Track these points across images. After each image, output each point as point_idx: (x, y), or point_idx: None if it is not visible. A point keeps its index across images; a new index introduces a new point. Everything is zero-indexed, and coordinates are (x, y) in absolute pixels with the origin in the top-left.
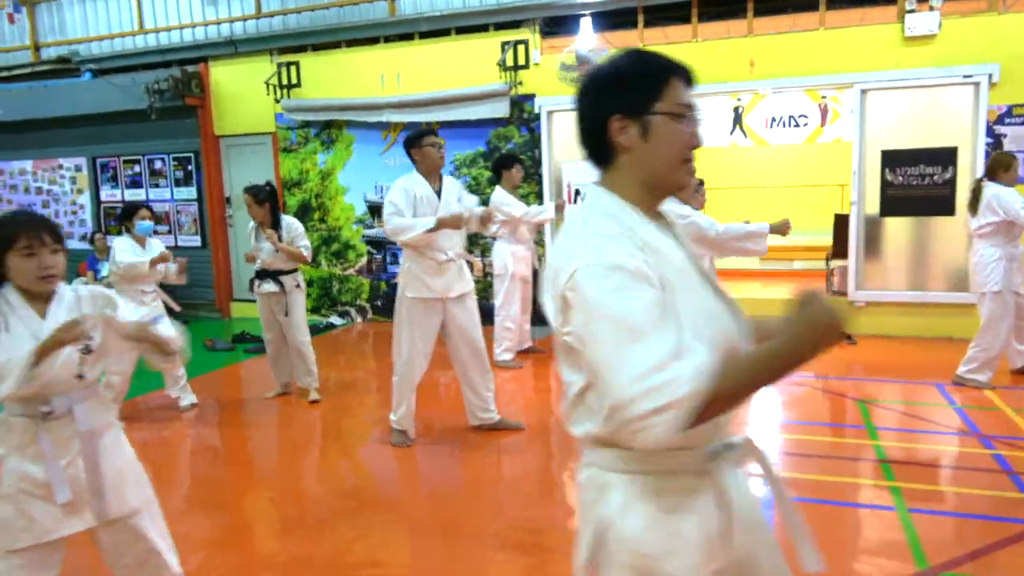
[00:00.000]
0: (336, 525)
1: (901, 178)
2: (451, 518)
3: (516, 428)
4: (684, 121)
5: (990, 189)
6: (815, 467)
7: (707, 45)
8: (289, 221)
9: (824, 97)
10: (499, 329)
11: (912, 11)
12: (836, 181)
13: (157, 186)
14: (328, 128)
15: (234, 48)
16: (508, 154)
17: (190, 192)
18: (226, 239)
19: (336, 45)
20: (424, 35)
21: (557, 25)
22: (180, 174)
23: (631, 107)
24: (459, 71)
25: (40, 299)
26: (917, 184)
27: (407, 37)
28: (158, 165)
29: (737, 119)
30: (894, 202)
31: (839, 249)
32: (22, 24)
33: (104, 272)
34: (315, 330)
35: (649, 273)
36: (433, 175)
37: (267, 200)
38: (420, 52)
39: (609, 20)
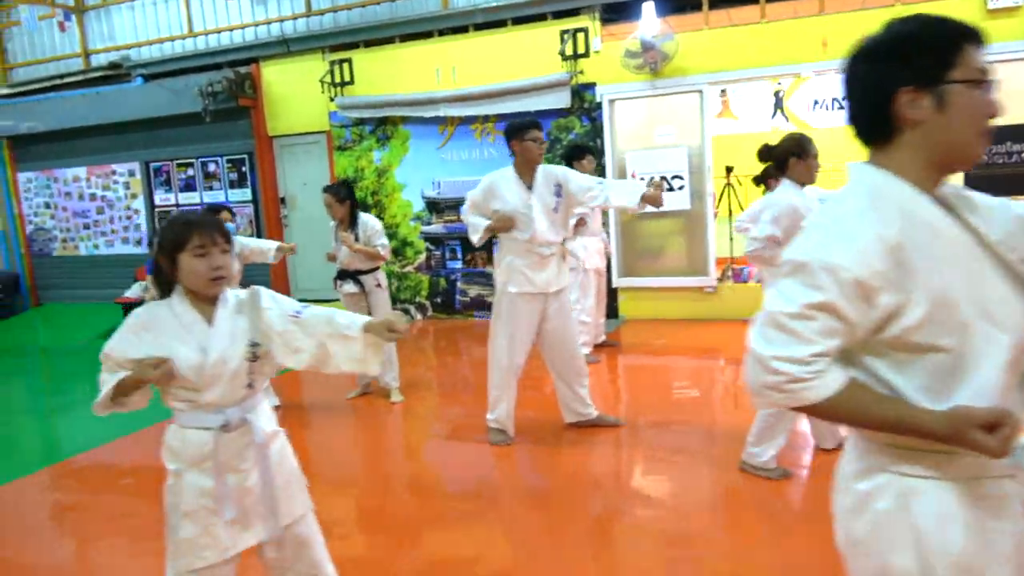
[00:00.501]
0: (441, 526)
1: (985, 156)
2: (556, 517)
3: (615, 424)
4: (983, 88)
5: None
6: None
7: (776, 26)
8: (366, 219)
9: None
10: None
11: None
12: None
13: (211, 189)
14: (383, 125)
15: (286, 47)
16: (579, 144)
17: (244, 193)
18: (281, 240)
19: (389, 41)
20: (479, 27)
21: (616, 11)
22: (234, 176)
23: (923, 77)
24: (517, 62)
25: (207, 303)
26: (1003, 162)
27: (461, 30)
28: (211, 168)
29: (778, 103)
30: (979, 181)
31: None
32: (72, 32)
33: None
34: None
35: (873, 285)
36: (529, 169)
37: (347, 198)
38: (476, 44)
39: (671, 4)
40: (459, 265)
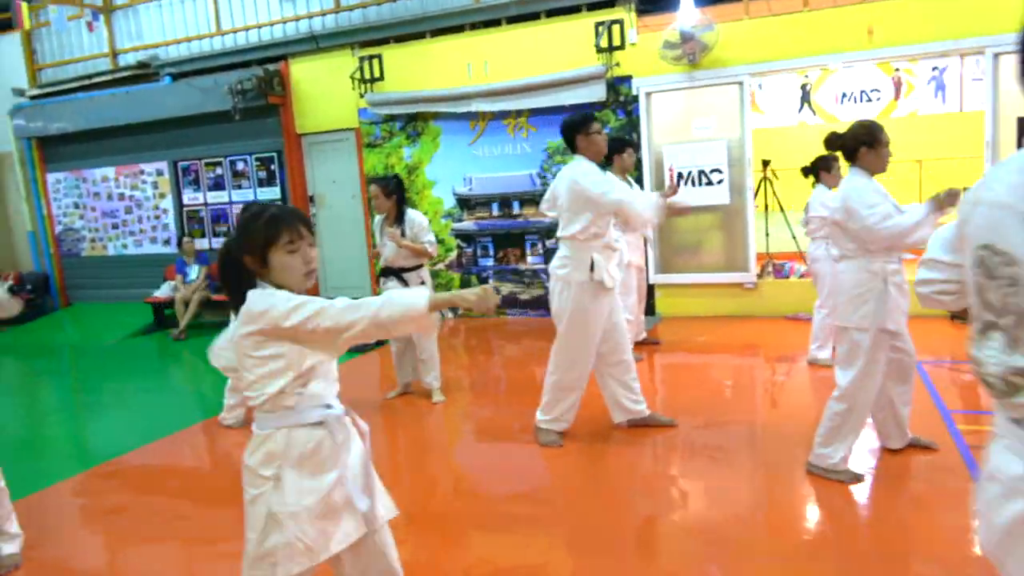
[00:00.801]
0: (493, 529)
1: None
2: (614, 521)
3: (668, 424)
4: None
5: None
6: None
7: (819, 15)
8: (413, 215)
9: (897, 70)
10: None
11: None
12: (914, 157)
13: (240, 187)
14: (413, 121)
15: (315, 44)
16: (619, 138)
17: (273, 192)
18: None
19: (419, 36)
20: (511, 20)
21: (652, 2)
22: (263, 174)
23: None
24: (550, 55)
25: None
26: None
27: (493, 23)
28: (240, 166)
29: (805, 97)
30: None
31: None
32: (100, 32)
33: (193, 275)
34: None
35: None
36: (599, 161)
37: (395, 192)
38: (508, 38)
39: None
40: (491, 262)
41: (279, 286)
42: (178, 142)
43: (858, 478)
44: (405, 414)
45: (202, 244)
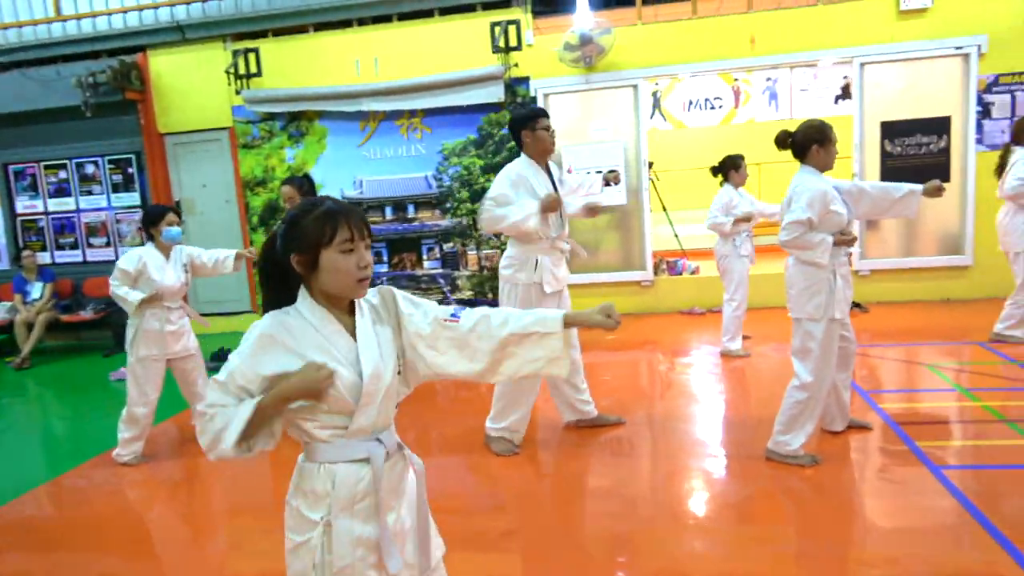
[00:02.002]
0: (472, 549)
1: (899, 148)
2: (585, 525)
3: (617, 423)
4: None
5: (1017, 153)
6: (961, 433)
7: (705, 22)
8: None
9: (736, 80)
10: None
11: None
12: (754, 160)
13: (90, 193)
14: (296, 120)
15: (181, 35)
16: None
17: (132, 198)
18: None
19: (301, 30)
20: (403, 17)
21: (547, 4)
22: (118, 178)
23: None
24: (445, 54)
25: (341, 309)
26: (915, 153)
27: (383, 19)
28: (90, 169)
29: (656, 103)
30: (893, 172)
31: None
32: None
33: (36, 294)
34: None
35: None
36: (543, 160)
37: (309, 193)
38: (399, 35)
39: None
40: (385, 269)
41: (323, 293)
42: (8, 142)
43: (816, 461)
44: None
45: (43, 258)
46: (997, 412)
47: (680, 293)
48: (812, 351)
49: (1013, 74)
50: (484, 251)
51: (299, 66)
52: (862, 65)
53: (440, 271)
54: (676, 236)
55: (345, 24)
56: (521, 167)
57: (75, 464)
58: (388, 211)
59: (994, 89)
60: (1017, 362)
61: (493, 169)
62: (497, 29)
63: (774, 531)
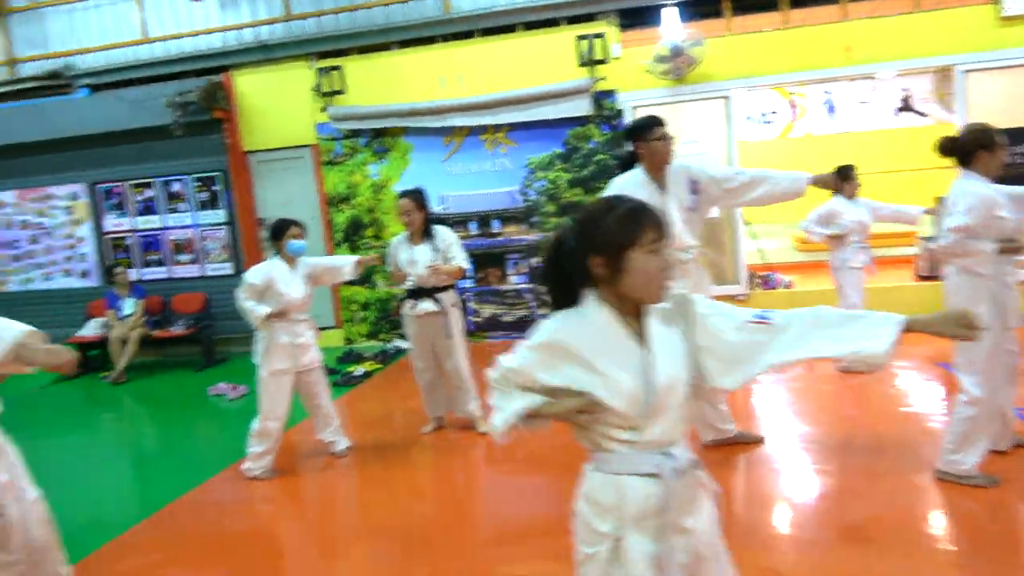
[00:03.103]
0: None
1: (1007, 158)
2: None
3: (756, 440)
4: None
5: None
6: None
7: (798, 32)
8: (441, 230)
9: (792, 93)
10: None
11: None
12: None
13: (176, 211)
14: (380, 137)
15: (266, 54)
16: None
17: (217, 215)
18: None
19: (384, 47)
20: (486, 32)
21: (632, 16)
22: (204, 196)
23: None
24: (529, 69)
25: (631, 315)
26: (1022, 162)
27: (465, 35)
28: (176, 187)
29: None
30: (999, 184)
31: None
32: None
33: (128, 310)
34: (384, 356)
35: None
36: (659, 170)
37: (425, 206)
38: (483, 50)
39: (690, 9)
40: (470, 284)
41: (622, 296)
42: (98, 162)
43: (994, 482)
44: (459, 450)
45: (131, 276)
46: None
47: (776, 307)
48: (977, 364)
49: None
50: None
51: (383, 83)
52: (964, 73)
53: (526, 286)
54: (760, 251)
55: (427, 41)
56: (627, 181)
57: (201, 479)
58: (473, 226)
59: None
60: None
61: (580, 183)
62: (583, 43)
63: (965, 556)
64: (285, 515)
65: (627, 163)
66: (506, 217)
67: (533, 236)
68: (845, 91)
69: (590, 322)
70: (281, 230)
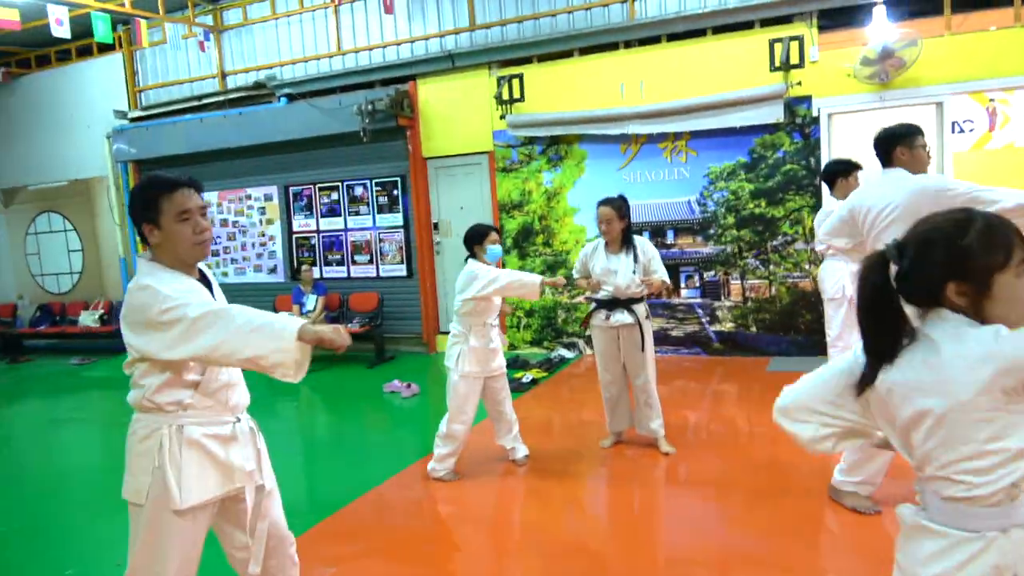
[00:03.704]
0: None
1: None
2: None
3: None
4: None
5: None
6: None
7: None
8: (642, 242)
9: (992, 100)
10: None
11: None
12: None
13: (357, 214)
14: (555, 144)
15: (451, 63)
16: (843, 159)
17: (395, 219)
18: (433, 268)
19: (565, 55)
20: (673, 37)
21: (833, 17)
22: (383, 199)
23: None
24: (716, 74)
25: None
26: None
27: (651, 40)
28: (359, 191)
29: None
30: None
31: None
32: (202, 51)
33: (310, 306)
34: (550, 364)
35: None
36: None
37: (626, 215)
38: (668, 56)
39: (900, 8)
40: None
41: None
42: (290, 166)
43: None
44: (640, 468)
45: (313, 273)
46: None
47: None
48: None
49: None
50: (749, 281)
51: (562, 90)
52: None
53: (699, 300)
54: None
55: (610, 47)
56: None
57: (386, 475)
58: (646, 236)
59: None
60: None
61: (764, 194)
62: (777, 46)
63: None
64: (467, 518)
65: (837, 173)
66: (681, 228)
67: (709, 248)
68: None
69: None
70: (482, 235)
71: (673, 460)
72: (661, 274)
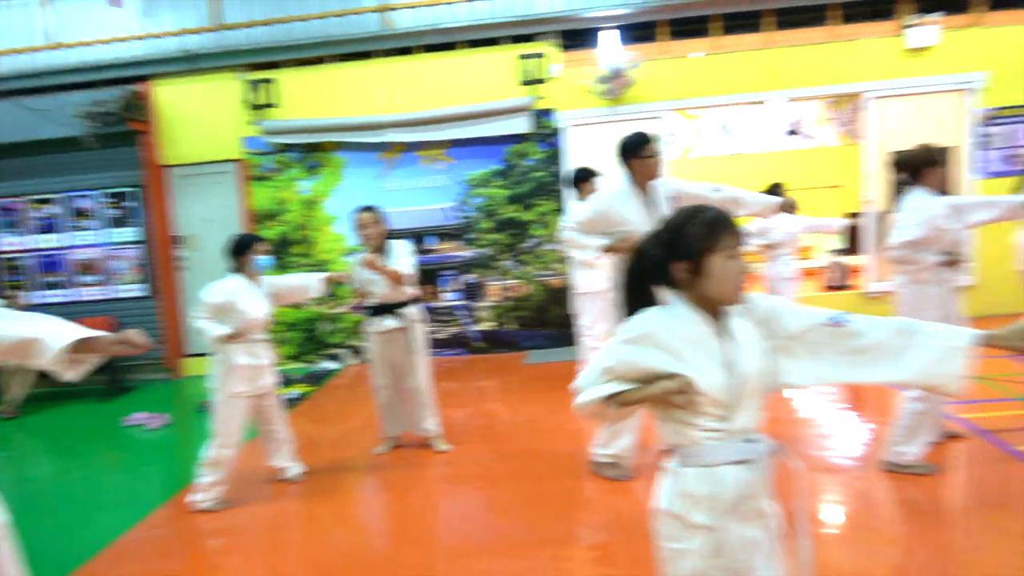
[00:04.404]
0: None
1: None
2: None
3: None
4: None
5: None
6: None
7: (726, 57)
8: (399, 245)
9: (693, 116)
10: None
11: (912, 25)
12: None
13: (83, 229)
14: (312, 152)
15: (190, 64)
16: (586, 168)
17: (130, 233)
18: (173, 287)
19: (316, 61)
20: (430, 48)
21: (573, 37)
22: (115, 213)
23: None
24: (469, 86)
25: (712, 313)
26: None
27: (405, 51)
28: (85, 204)
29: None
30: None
31: (853, 246)
32: None
33: None
34: (315, 377)
35: None
36: (646, 185)
37: (383, 221)
38: (424, 66)
39: (628, 33)
40: None
41: (704, 298)
42: None
43: (934, 470)
44: (417, 468)
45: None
46: None
47: None
48: None
49: (1012, 107)
50: (507, 281)
51: (318, 97)
52: (872, 99)
53: (460, 302)
54: None
55: (367, 55)
56: (616, 194)
57: (138, 517)
58: (409, 242)
59: (995, 121)
60: None
61: (518, 199)
62: (524, 62)
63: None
64: (236, 549)
65: (579, 179)
66: (442, 233)
67: (469, 252)
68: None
69: (676, 318)
70: (247, 245)
71: (447, 457)
72: (398, 266)
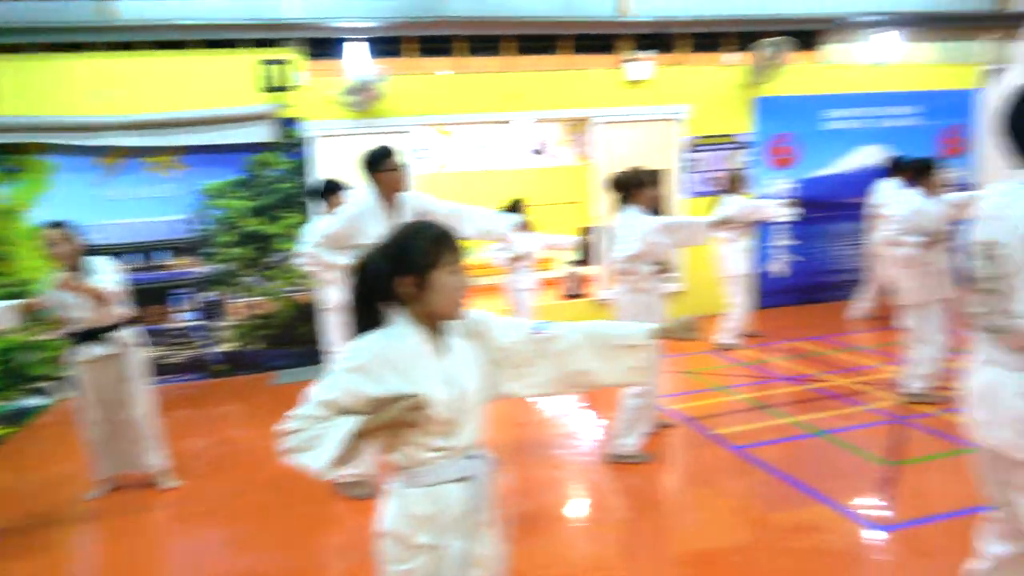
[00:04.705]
0: None
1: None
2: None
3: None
4: None
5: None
6: (738, 421)
7: (470, 78)
8: (99, 263)
9: (450, 133)
10: None
11: (630, 60)
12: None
13: None
14: (11, 154)
15: None
16: (334, 180)
17: None
18: None
19: (17, 48)
20: (157, 45)
21: (321, 47)
22: None
23: None
24: (205, 89)
25: (433, 329)
26: None
27: (128, 46)
28: None
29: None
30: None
31: (587, 258)
32: None
33: None
34: (14, 417)
35: None
36: (392, 198)
37: (76, 236)
38: (152, 65)
39: (376, 46)
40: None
41: (427, 313)
42: None
43: (651, 459)
44: (136, 512)
45: None
46: (756, 401)
47: None
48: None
49: (710, 136)
50: (251, 298)
51: (20, 90)
52: (598, 124)
53: (198, 322)
54: None
55: (82, 47)
56: (361, 207)
57: None
58: (134, 258)
59: (697, 149)
60: (743, 363)
61: (263, 211)
62: (269, 68)
63: (635, 519)
64: None
65: (326, 191)
66: (175, 248)
67: (207, 268)
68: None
69: (397, 337)
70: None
71: (177, 495)
72: (100, 283)
